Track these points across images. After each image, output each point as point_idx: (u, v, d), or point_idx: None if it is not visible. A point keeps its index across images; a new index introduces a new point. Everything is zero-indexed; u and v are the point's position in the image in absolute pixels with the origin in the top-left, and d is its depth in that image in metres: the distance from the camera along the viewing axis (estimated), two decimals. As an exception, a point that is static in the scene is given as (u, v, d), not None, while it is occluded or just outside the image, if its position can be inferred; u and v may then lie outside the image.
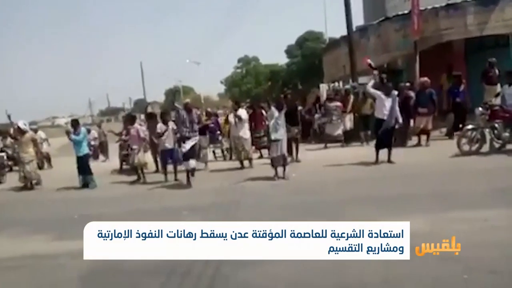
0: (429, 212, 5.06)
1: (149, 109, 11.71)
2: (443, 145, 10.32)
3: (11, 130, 12.23)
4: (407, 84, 11.76)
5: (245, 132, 10.02)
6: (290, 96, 11.61)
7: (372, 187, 7.02)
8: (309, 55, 34.38)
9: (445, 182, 6.84)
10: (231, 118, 10.38)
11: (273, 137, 8.32)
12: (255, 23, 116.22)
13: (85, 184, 9.38)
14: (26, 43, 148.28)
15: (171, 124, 9.30)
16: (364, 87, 10.98)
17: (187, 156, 8.46)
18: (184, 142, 8.43)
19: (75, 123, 9.88)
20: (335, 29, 48.04)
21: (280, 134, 8.28)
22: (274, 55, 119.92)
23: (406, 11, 13.74)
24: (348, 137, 12.16)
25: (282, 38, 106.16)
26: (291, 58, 39.52)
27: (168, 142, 9.32)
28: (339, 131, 12.11)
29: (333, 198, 6.38)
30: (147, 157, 10.36)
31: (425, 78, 11.07)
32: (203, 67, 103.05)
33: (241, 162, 10.14)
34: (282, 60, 42.94)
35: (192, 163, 8.53)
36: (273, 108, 8.63)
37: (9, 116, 10.33)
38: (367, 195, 6.43)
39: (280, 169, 8.35)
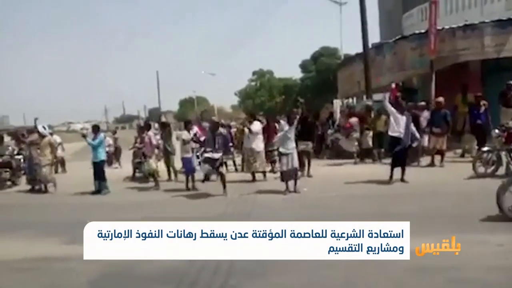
0: (442, 233, 4.97)
1: (163, 119, 11.87)
2: (457, 166, 10.20)
3: (22, 133, 12.53)
4: (422, 103, 11.71)
5: (257, 145, 9.99)
6: (306, 108, 11.58)
7: (384, 205, 6.96)
8: (324, 70, 34.38)
9: (459, 204, 6.74)
10: (247, 130, 10.42)
11: (281, 150, 8.33)
12: (270, 37, 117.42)
13: (98, 190, 9.48)
14: (45, 49, 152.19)
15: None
16: (380, 103, 10.93)
17: (209, 162, 8.23)
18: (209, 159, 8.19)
19: (95, 129, 10.08)
20: (351, 46, 47.87)
21: (289, 148, 8.27)
22: (289, 69, 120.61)
23: (423, 30, 13.74)
24: (362, 154, 12.08)
25: (297, 52, 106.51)
26: (305, 73, 39.57)
27: (187, 151, 9.45)
28: (354, 148, 12.04)
29: (344, 214, 6.30)
30: (161, 166, 10.46)
31: (441, 98, 11.01)
32: (217, 78, 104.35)
33: (253, 175, 10.14)
34: (296, 74, 43.03)
35: (206, 168, 8.32)
36: (283, 122, 8.62)
37: (35, 120, 10.64)
38: (378, 212, 6.36)
39: (291, 183, 8.34)
